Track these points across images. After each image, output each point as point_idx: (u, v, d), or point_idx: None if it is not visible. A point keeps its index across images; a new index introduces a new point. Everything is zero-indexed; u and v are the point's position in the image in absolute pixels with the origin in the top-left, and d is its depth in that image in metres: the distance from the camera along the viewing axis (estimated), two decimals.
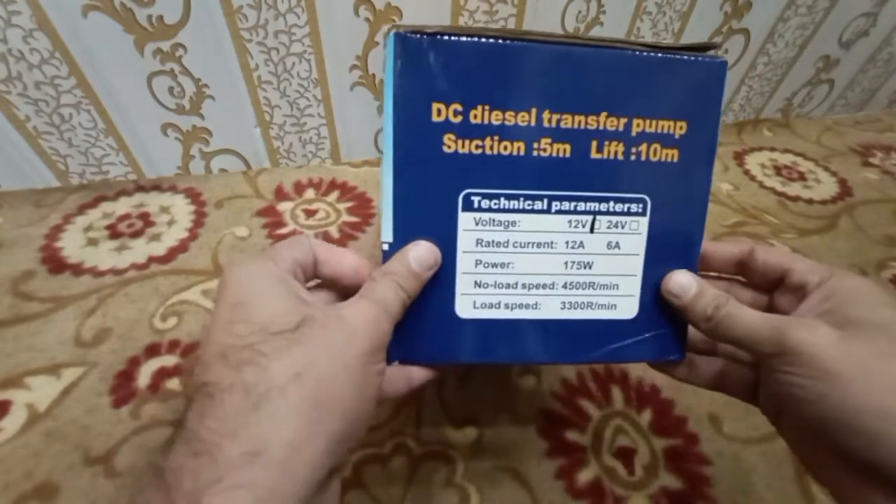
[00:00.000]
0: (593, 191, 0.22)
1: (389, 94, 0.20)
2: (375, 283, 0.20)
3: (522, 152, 0.21)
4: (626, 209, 0.23)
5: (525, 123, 0.21)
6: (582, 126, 0.21)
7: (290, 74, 0.48)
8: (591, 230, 0.23)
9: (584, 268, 0.23)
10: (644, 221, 0.23)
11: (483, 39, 0.20)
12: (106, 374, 0.35)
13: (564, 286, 0.23)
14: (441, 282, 0.22)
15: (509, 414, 0.34)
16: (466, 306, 0.23)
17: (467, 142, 0.21)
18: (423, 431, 0.33)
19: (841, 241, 0.52)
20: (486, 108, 0.21)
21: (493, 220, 0.22)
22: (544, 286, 0.23)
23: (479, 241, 0.22)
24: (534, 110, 0.21)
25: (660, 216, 0.23)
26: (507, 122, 0.21)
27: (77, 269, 0.42)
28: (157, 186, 0.52)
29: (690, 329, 0.23)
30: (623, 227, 0.23)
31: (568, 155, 0.22)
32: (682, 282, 0.22)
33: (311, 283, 0.22)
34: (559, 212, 0.22)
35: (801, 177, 0.61)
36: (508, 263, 0.22)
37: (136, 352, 0.36)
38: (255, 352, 0.16)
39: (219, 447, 0.15)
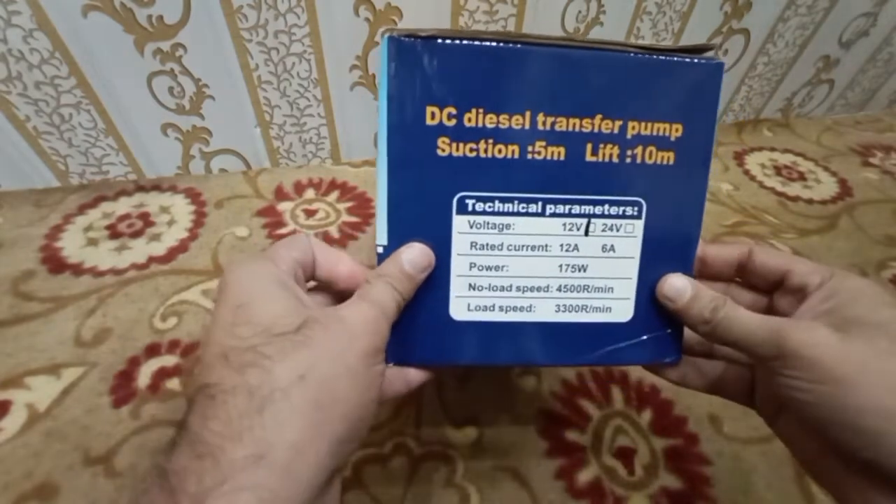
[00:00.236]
0: (588, 194, 0.22)
1: (383, 97, 0.21)
2: (371, 285, 0.20)
3: (517, 155, 0.21)
4: (621, 212, 0.22)
5: (519, 126, 0.21)
6: (576, 129, 0.21)
7: (290, 74, 0.49)
8: (586, 233, 0.23)
9: (579, 271, 0.23)
10: (639, 224, 0.23)
11: (477, 42, 0.20)
12: (106, 374, 0.35)
13: (559, 289, 0.23)
14: (436, 284, 0.22)
15: (509, 414, 0.34)
16: (461, 309, 0.23)
17: (461, 145, 0.21)
18: (423, 431, 0.33)
19: (841, 241, 0.52)
20: (481, 111, 0.21)
21: (488, 223, 0.22)
22: (539, 289, 0.23)
23: (473, 244, 0.22)
24: (528, 113, 0.21)
25: (655, 219, 0.23)
26: (501, 126, 0.21)
27: (77, 269, 0.42)
28: (157, 186, 0.52)
29: (686, 332, 0.23)
30: (618, 230, 0.23)
31: (563, 158, 0.22)
32: (677, 285, 0.22)
33: (308, 286, 0.22)
34: (554, 215, 0.22)
35: (801, 177, 0.61)
36: (503, 266, 0.22)
37: (136, 352, 0.36)
38: (258, 354, 0.16)
39: (222, 449, 0.15)
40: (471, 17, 0.49)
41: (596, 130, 0.21)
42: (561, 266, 0.23)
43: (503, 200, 0.22)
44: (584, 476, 0.31)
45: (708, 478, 0.31)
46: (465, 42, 0.20)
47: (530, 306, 0.23)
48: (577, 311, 0.23)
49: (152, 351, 0.36)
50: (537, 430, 0.33)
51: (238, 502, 0.14)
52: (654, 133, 0.22)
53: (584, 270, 0.23)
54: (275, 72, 0.48)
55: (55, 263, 0.43)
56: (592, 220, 0.22)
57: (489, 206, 0.22)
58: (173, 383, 0.34)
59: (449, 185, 0.21)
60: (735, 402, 0.24)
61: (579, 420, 0.34)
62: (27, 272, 0.42)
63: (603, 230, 0.23)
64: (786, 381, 0.18)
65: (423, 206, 0.22)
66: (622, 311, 0.23)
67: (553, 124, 0.21)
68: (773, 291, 0.23)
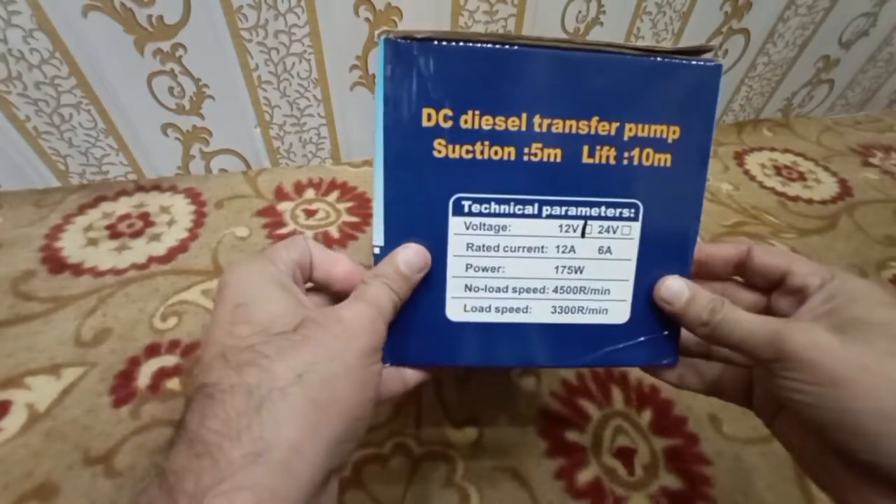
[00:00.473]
0: (585, 195, 0.22)
1: (380, 98, 0.21)
2: (367, 285, 0.20)
3: (513, 157, 0.21)
4: (618, 214, 0.22)
5: (516, 128, 0.21)
6: (573, 131, 0.21)
7: (290, 74, 0.49)
8: (583, 235, 0.23)
9: (575, 272, 0.23)
10: (636, 226, 0.23)
11: (473, 44, 0.20)
12: (106, 374, 0.35)
13: (555, 290, 0.23)
14: (432, 285, 0.22)
15: (509, 414, 0.34)
16: (457, 310, 0.23)
17: (458, 146, 0.21)
18: (423, 431, 0.33)
19: (841, 241, 0.52)
20: (477, 112, 0.21)
21: (484, 225, 0.22)
22: (535, 290, 0.23)
23: (469, 246, 0.22)
24: (524, 115, 0.21)
25: (652, 221, 0.23)
26: (497, 127, 0.21)
27: (77, 269, 0.42)
28: (157, 186, 0.52)
29: (684, 333, 0.23)
30: (615, 232, 0.23)
31: (559, 160, 0.22)
32: (673, 288, 0.22)
33: (305, 287, 0.23)
34: (550, 216, 0.22)
35: (801, 177, 0.61)
36: (499, 267, 0.23)
37: (136, 352, 0.36)
38: (257, 353, 0.17)
39: (220, 448, 0.15)
40: (471, 18, 0.49)
41: (592, 132, 0.21)
42: (557, 268, 0.23)
43: (499, 202, 0.22)
44: (584, 476, 0.31)
45: (708, 478, 0.31)
46: (461, 44, 0.20)
47: (526, 307, 0.23)
48: (573, 313, 0.23)
49: (152, 351, 0.36)
50: (537, 430, 0.33)
51: (237, 501, 0.14)
52: (652, 135, 0.22)
53: (581, 272, 0.23)
54: (275, 72, 0.48)
55: (55, 263, 0.43)
56: (589, 221, 0.22)
57: (485, 208, 0.22)
58: (173, 383, 0.34)
59: (445, 187, 0.22)
60: (733, 403, 0.24)
61: (579, 420, 0.34)
62: (27, 272, 0.42)
63: (599, 232, 0.23)
64: (785, 382, 0.18)
65: (419, 207, 0.22)
66: (619, 312, 0.23)
67: (549, 126, 0.21)
68: (772, 291, 0.23)
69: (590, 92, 0.21)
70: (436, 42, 0.20)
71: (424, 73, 0.20)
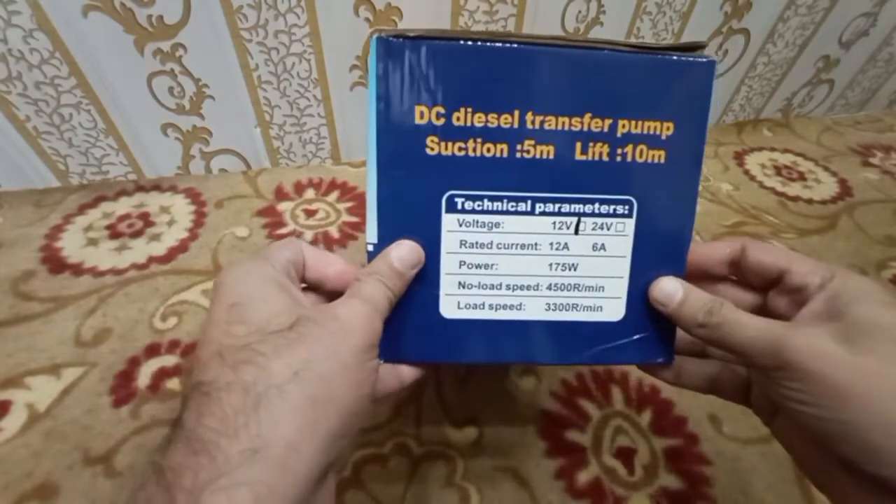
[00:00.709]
0: (578, 192, 0.22)
1: (372, 97, 0.21)
2: (362, 282, 0.20)
3: (506, 154, 0.21)
4: (611, 211, 0.22)
5: (508, 125, 0.21)
6: (566, 127, 0.21)
7: (290, 74, 0.49)
8: (576, 232, 0.22)
9: (569, 269, 0.23)
10: (630, 223, 0.23)
11: (465, 42, 0.20)
12: (106, 374, 0.35)
13: (549, 287, 0.23)
14: (426, 282, 0.22)
15: (509, 414, 0.34)
16: (451, 307, 0.23)
17: (450, 144, 0.21)
18: (423, 431, 0.33)
19: (841, 241, 0.52)
20: (469, 110, 0.21)
21: (477, 222, 0.22)
22: (528, 287, 0.23)
23: (462, 243, 0.22)
24: (517, 112, 0.21)
25: (647, 218, 0.23)
26: (490, 124, 0.21)
27: (77, 269, 0.42)
28: (157, 186, 0.52)
29: (680, 331, 0.23)
30: (609, 229, 0.23)
31: (552, 156, 0.22)
32: (667, 289, 0.22)
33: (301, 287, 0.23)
34: (543, 213, 0.22)
35: (801, 177, 0.61)
36: (492, 265, 0.23)
37: (136, 352, 0.36)
38: (253, 351, 0.17)
39: (217, 446, 0.15)
40: (471, 18, 0.49)
41: (585, 129, 0.21)
42: (551, 265, 0.23)
43: (492, 199, 0.22)
44: (584, 476, 0.31)
45: (708, 478, 0.31)
46: (452, 42, 0.20)
47: (520, 304, 0.23)
48: (567, 310, 0.23)
49: (152, 351, 0.36)
50: (537, 430, 0.33)
51: (234, 497, 0.14)
52: (645, 131, 0.22)
53: (575, 269, 0.23)
54: (275, 72, 0.48)
55: (55, 263, 0.43)
56: (582, 218, 0.22)
57: (478, 205, 0.22)
58: (173, 383, 0.34)
59: (438, 184, 0.22)
60: (731, 401, 0.24)
61: (579, 420, 0.34)
62: (27, 272, 0.42)
63: (593, 229, 0.23)
64: (787, 392, 0.18)
65: (412, 204, 0.22)
66: (613, 310, 0.23)
67: (542, 123, 0.21)
68: (768, 290, 0.22)
69: (582, 89, 0.21)
70: (427, 40, 0.20)
71: (416, 71, 0.20)
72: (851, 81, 0.72)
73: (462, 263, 0.22)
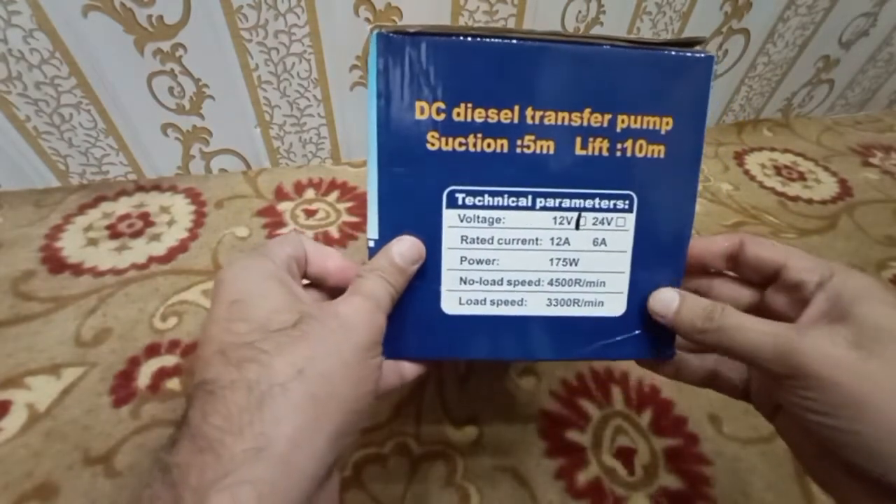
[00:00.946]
0: (578, 187, 0.22)
1: (373, 93, 0.21)
2: (363, 279, 0.20)
3: (506, 149, 0.21)
4: (612, 206, 0.22)
5: (508, 121, 0.21)
6: (566, 123, 0.21)
7: (290, 74, 0.49)
8: (577, 227, 0.22)
9: (570, 265, 0.23)
10: (631, 218, 0.23)
11: (464, 38, 0.20)
12: (106, 374, 0.35)
13: (550, 283, 0.23)
14: (427, 278, 0.22)
15: (509, 414, 0.34)
16: (452, 303, 0.23)
17: (451, 139, 0.21)
18: (423, 431, 0.33)
19: (841, 241, 0.52)
20: (469, 105, 0.21)
21: (478, 217, 0.22)
22: (530, 283, 0.23)
23: (463, 238, 0.22)
24: (517, 107, 0.21)
25: (647, 213, 0.23)
26: (490, 120, 0.21)
27: (77, 269, 0.42)
28: (157, 186, 0.52)
29: None
30: (609, 224, 0.23)
31: (552, 152, 0.22)
32: (664, 298, 0.22)
33: (302, 282, 0.23)
34: (544, 208, 0.22)
35: (801, 177, 0.61)
36: (493, 260, 0.23)
37: (136, 352, 0.36)
38: (256, 349, 0.17)
39: (223, 444, 0.15)
40: (471, 17, 0.49)
41: (585, 124, 0.21)
42: (552, 260, 0.23)
43: (493, 194, 0.22)
44: (584, 476, 0.31)
45: (708, 478, 0.31)
46: (453, 38, 0.20)
47: (522, 300, 0.23)
48: (568, 306, 0.23)
49: (152, 351, 0.36)
50: (537, 430, 0.33)
51: (239, 495, 0.14)
52: (645, 126, 0.22)
53: (576, 264, 0.23)
54: (275, 72, 0.48)
55: (55, 263, 0.43)
56: (583, 213, 0.22)
57: (479, 200, 0.22)
58: (173, 383, 0.34)
59: (439, 180, 0.22)
60: (731, 396, 0.23)
61: (579, 420, 0.34)
62: (27, 272, 0.42)
63: (594, 224, 0.23)
64: (800, 401, 0.17)
65: (413, 200, 0.22)
66: (615, 305, 0.23)
67: (542, 118, 0.21)
68: (766, 286, 0.22)
69: (582, 84, 0.21)
70: (427, 36, 0.20)
71: (416, 67, 0.20)
72: (851, 81, 0.72)
73: (463, 259, 0.22)
